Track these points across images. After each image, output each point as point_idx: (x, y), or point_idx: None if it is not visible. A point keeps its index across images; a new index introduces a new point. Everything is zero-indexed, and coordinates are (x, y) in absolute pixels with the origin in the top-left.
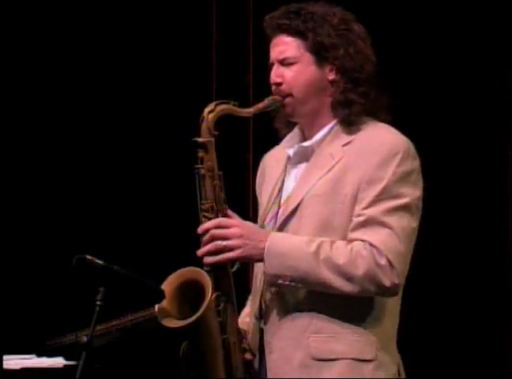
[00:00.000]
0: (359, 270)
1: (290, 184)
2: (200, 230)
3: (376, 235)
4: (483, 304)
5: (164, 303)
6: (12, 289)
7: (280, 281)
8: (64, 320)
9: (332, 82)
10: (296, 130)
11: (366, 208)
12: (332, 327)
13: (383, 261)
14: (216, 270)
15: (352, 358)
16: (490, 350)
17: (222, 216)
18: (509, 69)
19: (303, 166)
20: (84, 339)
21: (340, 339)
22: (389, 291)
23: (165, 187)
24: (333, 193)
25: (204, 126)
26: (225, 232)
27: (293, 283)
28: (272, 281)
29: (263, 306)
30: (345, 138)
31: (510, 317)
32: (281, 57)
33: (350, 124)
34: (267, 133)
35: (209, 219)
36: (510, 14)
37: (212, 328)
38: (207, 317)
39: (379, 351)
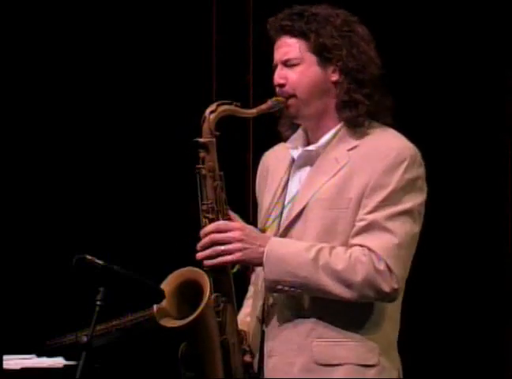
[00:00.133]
0: (358, 276)
1: (294, 187)
2: (201, 233)
3: (377, 240)
4: (483, 304)
5: (163, 303)
6: (12, 289)
7: (279, 287)
8: (64, 320)
9: (335, 83)
10: (300, 132)
11: (369, 213)
12: (334, 332)
13: (382, 267)
14: (216, 272)
15: (355, 364)
16: (490, 350)
17: (223, 217)
18: (509, 69)
19: (307, 169)
20: (84, 339)
21: (343, 344)
22: (388, 297)
23: (165, 187)
24: (338, 198)
25: (205, 126)
26: (225, 236)
27: (292, 289)
28: (271, 286)
29: (265, 309)
30: (351, 142)
31: (510, 317)
32: (284, 58)
33: (355, 126)
34: (267, 132)
35: (210, 219)
36: (510, 14)
37: (211, 329)
38: (206, 317)
39: (381, 356)
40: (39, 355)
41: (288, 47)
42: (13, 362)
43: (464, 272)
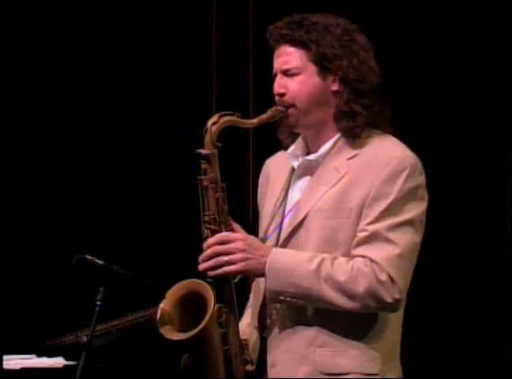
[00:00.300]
0: (360, 287)
1: (294, 196)
2: (205, 246)
3: (379, 251)
4: (483, 304)
5: (166, 312)
6: (12, 289)
7: (281, 297)
8: (64, 320)
9: (335, 93)
10: (300, 141)
11: (370, 223)
12: (337, 341)
13: (384, 277)
14: (218, 282)
15: (358, 373)
16: (490, 350)
17: (225, 228)
18: (509, 69)
19: (307, 178)
20: (84, 339)
21: (345, 353)
22: (390, 307)
23: (164, 187)
24: (339, 208)
25: (207, 138)
26: (228, 247)
27: (294, 300)
28: (273, 297)
29: (267, 319)
30: (350, 152)
31: (510, 317)
32: (284, 67)
33: (354, 137)
34: (268, 136)
35: (212, 230)
36: (510, 14)
37: (214, 339)
38: (209, 328)
39: (383, 365)
40: (39, 355)
41: (288, 57)
42: (13, 362)
43: (465, 272)
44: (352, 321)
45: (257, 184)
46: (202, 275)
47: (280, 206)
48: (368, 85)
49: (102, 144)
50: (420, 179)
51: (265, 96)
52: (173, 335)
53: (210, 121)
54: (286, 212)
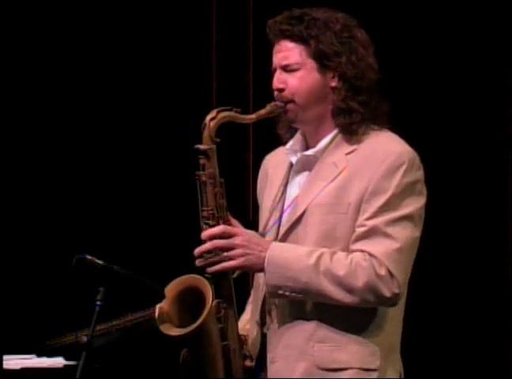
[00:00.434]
0: (359, 281)
1: (293, 191)
2: (204, 236)
3: (377, 246)
4: (483, 304)
5: (164, 310)
6: (12, 289)
7: (280, 292)
8: (64, 320)
9: (334, 89)
10: (299, 136)
11: (369, 218)
12: (336, 336)
13: (383, 272)
14: (217, 277)
15: (358, 368)
16: (490, 350)
17: (224, 223)
18: (509, 69)
19: (305, 174)
20: (84, 339)
21: (345, 348)
22: (389, 301)
23: (164, 186)
24: (337, 203)
25: (206, 134)
26: (227, 242)
27: (293, 294)
28: (272, 292)
29: (266, 315)
30: (349, 147)
31: (510, 317)
32: (284, 63)
33: (351, 133)
34: (267, 132)
35: (210, 225)
36: (510, 14)
37: (213, 335)
38: (207, 323)
39: (383, 360)
40: (39, 355)
41: (288, 52)
42: (13, 362)
43: (465, 272)
44: (352, 316)
45: (257, 180)
46: (201, 272)
47: (278, 201)
48: (366, 82)
49: (102, 144)
50: (418, 174)
51: (265, 96)
52: (172, 330)
53: (208, 117)
54: (285, 207)
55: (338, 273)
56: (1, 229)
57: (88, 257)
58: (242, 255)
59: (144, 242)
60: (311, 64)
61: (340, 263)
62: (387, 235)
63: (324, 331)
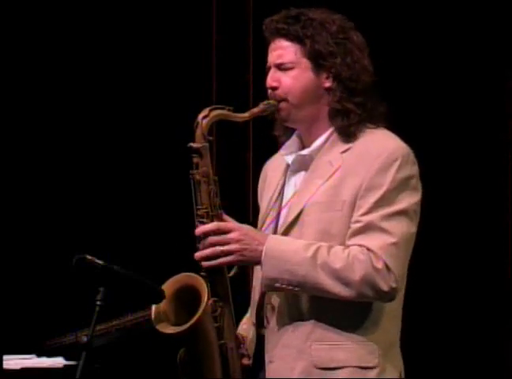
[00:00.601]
0: (357, 274)
1: (289, 191)
2: (198, 232)
3: (374, 240)
4: (483, 304)
5: (161, 309)
6: (12, 289)
7: (277, 285)
8: (64, 320)
9: (328, 90)
10: (295, 138)
11: (364, 214)
12: (334, 335)
13: (380, 265)
14: (213, 275)
15: (355, 366)
16: (490, 350)
17: (218, 221)
18: (509, 69)
19: (302, 173)
20: (84, 339)
21: (343, 347)
22: (386, 296)
23: (165, 186)
24: (332, 201)
25: (198, 132)
26: (223, 238)
27: (290, 287)
28: (269, 284)
29: (264, 316)
30: (344, 145)
31: (510, 317)
32: (278, 61)
33: (348, 135)
34: (267, 132)
35: (204, 224)
36: (510, 14)
37: (209, 334)
38: (203, 322)
39: (381, 358)
40: (39, 355)
41: (283, 51)
42: (13, 362)
43: (465, 271)
44: (349, 315)
45: (257, 184)
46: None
47: (276, 201)
48: (361, 84)
49: (102, 144)
50: (413, 169)
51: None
52: (168, 328)
53: (201, 115)
54: (282, 206)
55: (335, 266)
56: (1, 229)
57: (88, 257)
58: (238, 250)
59: (144, 242)
60: (306, 63)
61: (338, 256)
62: (383, 230)
63: (321, 330)
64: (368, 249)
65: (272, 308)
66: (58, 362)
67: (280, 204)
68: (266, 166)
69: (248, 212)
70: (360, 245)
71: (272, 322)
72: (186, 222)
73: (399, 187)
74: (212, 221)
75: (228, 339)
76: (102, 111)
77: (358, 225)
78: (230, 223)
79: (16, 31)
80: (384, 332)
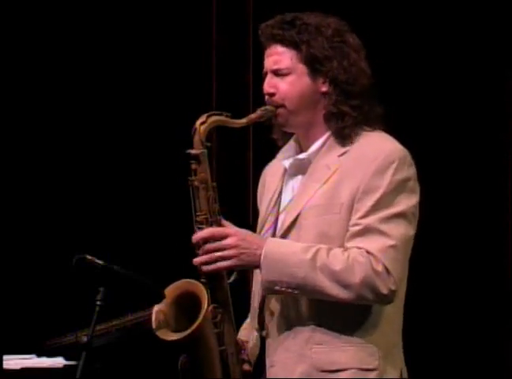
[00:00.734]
0: (356, 277)
1: (287, 196)
2: (194, 239)
3: (373, 243)
4: (484, 304)
5: (161, 315)
6: (12, 289)
7: (276, 287)
8: (64, 320)
9: (324, 94)
10: (292, 142)
11: (362, 217)
12: (334, 338)
13: (380, 268)
14: (213, 282)
15: (356, 368)
16: (490, 350)
17: (217, 227)
18: (509, 69)
19: (299, 177)
20: (84, 339)
21: (342, 349)
22: (386, 298)
23: (166, 187)
24: (330, 204)
25: (196, 138)
26: (219, 244)
27: (289, 290)
28: (268, 287)
29: (265, 320)
30: (341, 149)
31: (510, 317)
32: (275, 67)
33: (344, 138)
34: (267, 135)
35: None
36: (510, 14)
37: (210, 340)
38: (204, 328)
39: (381, 360)
40: (39, 355)
41: (279, 56)
42: (13, 362)
43: (465, 272)
44: (349, 318)
45: (257, 186)
46: (198, 276)
47: (274, 206)
48: (358, 87)
49: (102, 145)
50: (410, 171)
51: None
52: (168, 335)
53: (199, 122)
54: (280, 211)
55: (335, 268)
56: (1, 229)
57: (88, 257)
58: (236, 255)
59: (144, 242)
60: (302, 69)
61: (337, 258)
62: (382, 233)
63: (321, 334)
64: (367, 252)
65: (272, 313)
66: (58, 362)
67: (278, 208)
68: (265, 171)
69: (248, 216)
70: (359, 248)
71: (272, 327)
72: (187, 222)
73: (396, 189)
74: (211, 227)
75: (229, 344)
76: (102, 111)
77: (356, 228)
78: (227, 228)
79: (17, 31)
80: (383, 334)
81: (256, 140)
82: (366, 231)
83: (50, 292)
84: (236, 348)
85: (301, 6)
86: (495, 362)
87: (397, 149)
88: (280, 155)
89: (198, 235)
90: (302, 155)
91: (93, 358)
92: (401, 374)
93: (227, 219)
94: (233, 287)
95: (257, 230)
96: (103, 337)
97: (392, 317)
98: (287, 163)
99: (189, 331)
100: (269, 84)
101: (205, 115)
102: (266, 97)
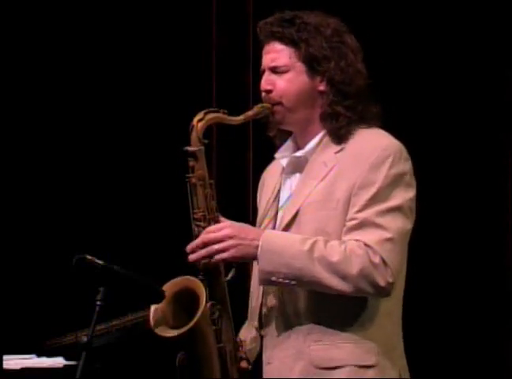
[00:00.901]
0: (354, 268)
1: (285, 193)
2: (189, 249)
3: (370, 236)
4: (483, 304)
5: (159, 312)
6: (12, 289)
7: (273, 278)
8: (64, 320)
9: (322, 93)
10: (289, 142)
11: (359, 211)
12: (332, 335)
13: (377, 260)
14: (211, 278)
15: (354, 365)
16: (490, 350)
17: (214, 225)
18: (509, 69)
19: (297, 175)
20: (84, 339)
21: (340, 346)
22: (383, 291)
23: (166, 186)
24: (327, 200)
25: (193, 135)
26: (216, 235)
27: (287, 281)
28: (265, 278)
29: (262, 317)
30: (338, 146)
31: (510, 317)
32: (273, 64)
33: (339, 137)
34: (267, 133)
35: (202, 227)
36: (510, 14)
37: (208, 337)
38: (201, 325)
39: (380, 356)
40: (39, 355)
41: (277, 54)
42: (13, 362)
43: (465, 271)
44: (346, 314)
45: (257, 186)
46: (197, 274)
47: (272, 205)
48: (354, 88)
49: (102, 145)
50: (406, 165)
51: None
52: (166, 332)
53: (196, 118)
54: (278, 209)
55: (332, 259)
56: (1, 229)
57: (88, 257)
58: (233, 246)
59: (145, 242)
60: (300, 67)
61: (335, 250)
62: (378, 226)
63: (319, 331)
64: (365, 244)
65: (270, 310)
66: (58, 362)
67: (277, 206)
68: (265, 172)
69: (248, 216)
70: (357, 240)
71: (270, 325)
72: (187, 222)
73: (392, 183)
74: (209, 224)
75: (227, 342)
76: (102, 111)
77: (353, 222)
78: (222, 223)
79: (16, 31)
80: (381, 331)
81: (256, 139)
82: (363, 225)
83: (51, 292)
84: (234, 345)
85: (301, 6)
86: (495, 362)
87: (392, 144)
88: (277, 155)
89: (192, 244)
90: (299, 153)
91: (93, 358)
92: (400, 373)
93: (227, 217)
94: (231, 284)
95: (257, 227)
96: (103, 337)
97: (390, 310)
98: (284, 162)
99: (187, 327)
100: (267, 81)
101: (203, 112)
102: (263, 94)
